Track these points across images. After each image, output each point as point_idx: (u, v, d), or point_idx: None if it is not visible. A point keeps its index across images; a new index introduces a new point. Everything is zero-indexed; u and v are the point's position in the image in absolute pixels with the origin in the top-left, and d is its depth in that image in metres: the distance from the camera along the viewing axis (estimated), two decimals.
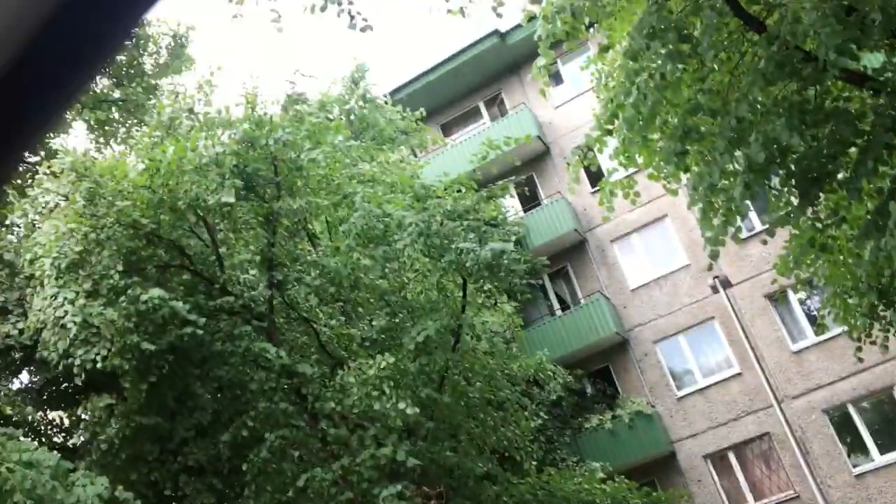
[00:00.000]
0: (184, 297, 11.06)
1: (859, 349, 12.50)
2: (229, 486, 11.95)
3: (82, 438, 11.23)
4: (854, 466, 18.92)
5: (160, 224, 10.78)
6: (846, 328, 12.68)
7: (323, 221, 13.62)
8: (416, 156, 22.68)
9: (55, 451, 9.85)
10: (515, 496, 15.58)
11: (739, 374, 20.53)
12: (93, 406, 10.57)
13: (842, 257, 11.15)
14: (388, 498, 10.64)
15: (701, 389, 20.96)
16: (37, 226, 11.48)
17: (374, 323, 14.46)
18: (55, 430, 13.08)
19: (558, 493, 16.74)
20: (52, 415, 13.50)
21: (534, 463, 18.11)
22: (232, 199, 10.58)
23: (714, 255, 9.09)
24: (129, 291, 10.16)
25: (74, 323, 9.71)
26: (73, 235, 10.21)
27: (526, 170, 23.20)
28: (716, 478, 20.24)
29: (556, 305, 23.75)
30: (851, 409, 19.30)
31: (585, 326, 21.97)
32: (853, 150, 8.69)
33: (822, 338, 19.85)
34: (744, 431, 20.16)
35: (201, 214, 11.01)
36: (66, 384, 12.43)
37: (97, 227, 10.28)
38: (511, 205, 23.45)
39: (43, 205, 11.17)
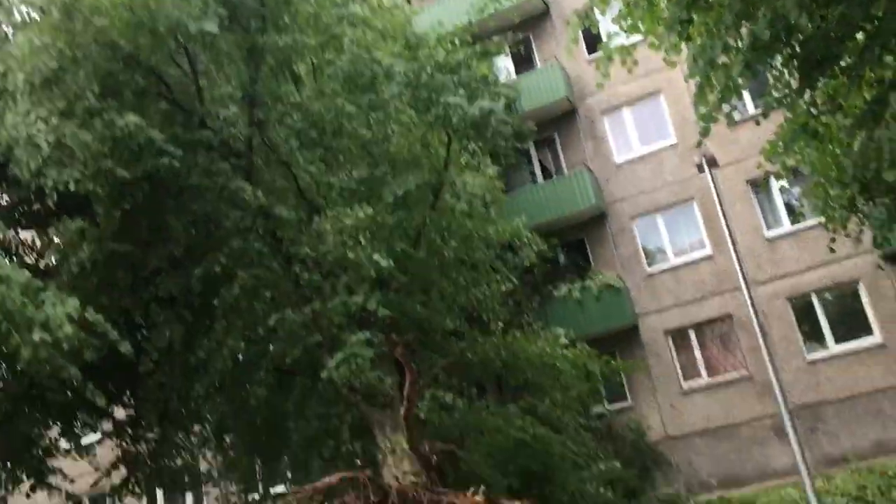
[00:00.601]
0: (161, 127, 10.78)
1: (833, 240, 12.62)
2: (200, 319, 12.11)
3: (54, 260, 11.20)
4: (808, 353, 19.56)
5: (139, 47, 10.34)
6: (823, 219, 12.77)
7: (308, 63, 13.14)
8: (409, 2, 21.77)
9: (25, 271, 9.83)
10: (479, 354, 15.97)
11: (711, 256, 20.81)
12: (65, 228, 10.47)
13: (831, 146, 11.06)
14: (357, 343, 10.82)
15: (671, 268, 21.27)
16: (10, 38, 11.00)
17: (354, 173, 14.27)
18: (26, 250, 13.03)
19: (521, 355, 17.18)
20: (23, 235, 13.42)
21: (500, 325, 18.49)
22: (215, 29, 10.13)
23: (705, 132, 8.95)
24: (105, 115, 9.87)
25: (47, 142, 9.46)
26: (48, 51, 9.77)
27: (523, 29, 22.50)
28: (674, 353, 20.88)
29: (539, 174, 23.65)
30: (815, 299, 19.75)
31: (566, 197, 21.98)
32: (861, 35, 8.43)
33: (796, 227, 20.11)
34: (707, 311, 20.64)
35: (182, 41, 10.56)
36: (38, 205, 12.29)
37: (73, 44, 9.84)
38: (504, 65, 22.88)
39: (17, 16, 10.65)
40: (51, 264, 11.82)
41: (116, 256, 10.92)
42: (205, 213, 11.74)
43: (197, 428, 14.30)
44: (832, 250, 12.73)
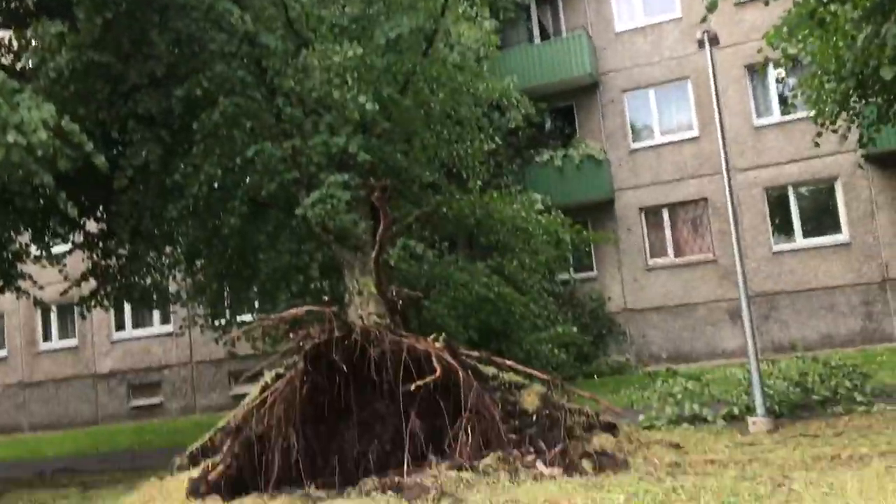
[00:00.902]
0: None
1: (819, 135, 12.61)
2: (178, 141, 11.95)
3: (31, 63, 10.85)
4: (775, 244, 19.94)
5: None
6: (814, 112, 12.70)
7: None
8: None
9: (1, 71, 9.56)
10: (455, 209, 16.07)
11: (697, 138, 20.75)
12: (44, 31, 10.08)
13: (835, 38, 10.85)
14: (334, 184, 10.81)
15: (655, 146, 21.23)
16: None
17: (347, 9, 13.77)
18: (2, 50, 12.60)
19: (495, 215, 17.32)
20: (0, 34, 12.94)
21: (479, 183, 18.51)
22: None
23: (712, 6, 8.72)
24: None
25: None
26: None
27: None
28: (645, 230, 21.17)
29: (537, 33, 23.03)
30: (791, 192, 19.94)
31: (561, 61, 21.53)
32: None
33: (785, 119, 20.03)
34: (684, 192, 20.80)
35: None
36: (16, 2, 11.78)
37: None
38: None
39: None
40: (28, 67, 11.46)
41: (96, 66, 10.59)
42: (189, 34, 11.34)
43: (168, 249, 14.42)
44: (817, 144, 12.74)
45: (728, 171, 18.90)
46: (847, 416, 9.12)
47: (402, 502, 6.38)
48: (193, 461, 8.25)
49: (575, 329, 17.39)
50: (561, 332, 16.63)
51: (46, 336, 27.15)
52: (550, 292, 19.07)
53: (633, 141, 21.49)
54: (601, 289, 21.19)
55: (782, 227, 20.13)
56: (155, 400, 25.66)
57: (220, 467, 7.68)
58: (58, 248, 15.39)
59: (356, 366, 8.03)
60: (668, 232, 21.02)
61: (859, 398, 9.59)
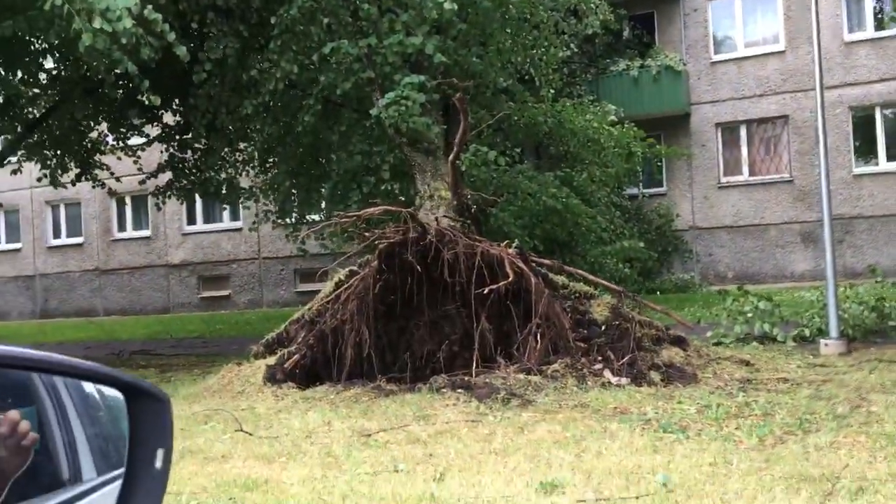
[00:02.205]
0: None
1: None
2: (255, 36, 11.91)
3: None
4: (856, 167, 19.23)
5: None
6: None
7: None
8: None
9: None
10: (527, 118, 15.85)
11: (783, 52, 19.85)
12: None
13: None
14: (409, 85, 10.69)
15: (738, 59, 20.38)
16: None
17: None
18: None
19: (567, 125, 17.06)
20: None
21: (552, 91, 18.14)
22: None
23: None
24: None
25: None
26: None
27: None
28: (720, 147, 20.58)
29: None
30: (877, 112, 19.07)
31: None
32: None
33: (878, 34, 18.99)
34: (764, 109, 20.06)
35: None
36: None
37: None
38: None
39: None
40: None
41: None
42: None
43: (242, 146, 14.59)
44: None
45: (812, 89, 18.27)
46: None
47: (472, 400, 6.52)
48: (269, 350, 8.54)
49: (642, 244, 17.19)
50: (627, 247, 16.46)
51: (121, 226, 28.05)
52: (618, 206, 18.85)
53: (715, 53, 20.67)
54: (670, 205, 20.81)
55: (865, 149, 19.35)
56: (224, 292, 26.50)
57: (296, 357, 7.94)
58: (134, 141, 15.75)
59: (429, 267, 8.11)
60: (744, 150, 20.40)
61: None
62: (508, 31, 14.15)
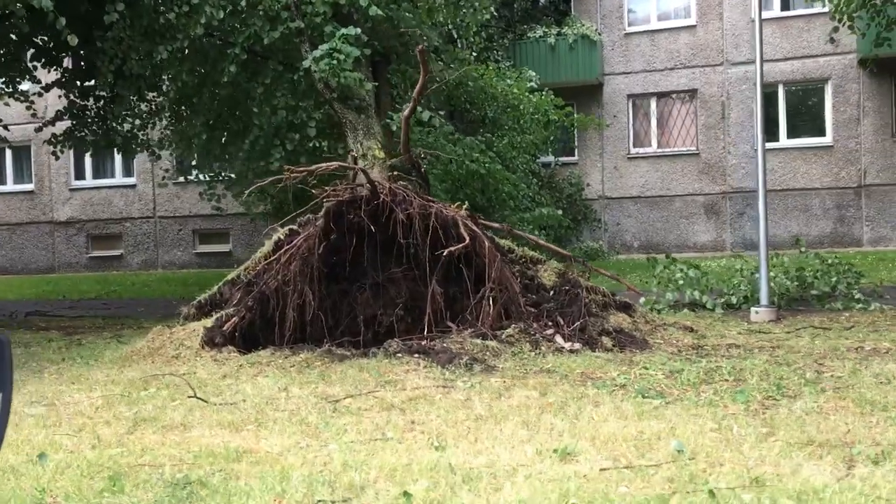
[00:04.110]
0: None
1: (836, 30, 12.38)
2: None
3: None
4: None
5: None
6: (833, 4, 12.38)
7: None
8: None
9: None
10: (452, 79, 15.57)
11: (693, 26, 20.28)
12: None
13: None
14: (345, 37, 10.24)
15: (651, 31, 20.71)
16: None
17: None
18: None
19: (489, 89, 16.91)
20: None
21: (472, 55, 17.94)
22: None
23: None
24: None
25: None
26: None
27: None
28: (631, 117, 20.93)
29: None
30: (780, 90, 19.79)
31: None
32: None
33: (784, 14, 19.65)
34: (674, 83, 20.49)
35: None
36: None
37: None
38: None
39: None
40: None
41: None
42: None
43: (150, 95, 13.68)
44: (832, 40, 12.56)
45: (719, 63, 18.82)
46: (847, 313, 9.31)
47: (433, 366, 6.30)
48: (201, 312, 8.04)
49: (560, 212, 17.30)
50: (546, 214, 16.53)
51: (1, 179, 26.16)
52: (534, 174, 18.90)
53: (629, 24, 20.91)
54: (580, 174, 21.07)
55: (767, 125, 20.02)
56: (115, 252, 25.18)
57: (234, 319, 7.50)
58: (26, 86, 14.52)
59: (377, 228, 7.79)
60: (653, 121, 20.82)
61: (857, 296, 9.77)
62: None
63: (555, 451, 3.79)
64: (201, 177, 14.69)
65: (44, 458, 4.03)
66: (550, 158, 20.67)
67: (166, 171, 15.88)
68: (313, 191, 7.54)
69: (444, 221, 7.52)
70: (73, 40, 8.91)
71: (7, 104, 14.41)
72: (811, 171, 19.44)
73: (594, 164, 21.13)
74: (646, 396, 5.14)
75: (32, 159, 25.72)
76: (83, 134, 13.99)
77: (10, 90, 14.32)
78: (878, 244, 18.99)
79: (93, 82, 13.58)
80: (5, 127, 15.12)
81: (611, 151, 20.96)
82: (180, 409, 5.32)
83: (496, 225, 8.41)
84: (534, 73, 18.09)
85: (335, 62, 10.52)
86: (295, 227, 8.27)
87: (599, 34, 20.66)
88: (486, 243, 7.55)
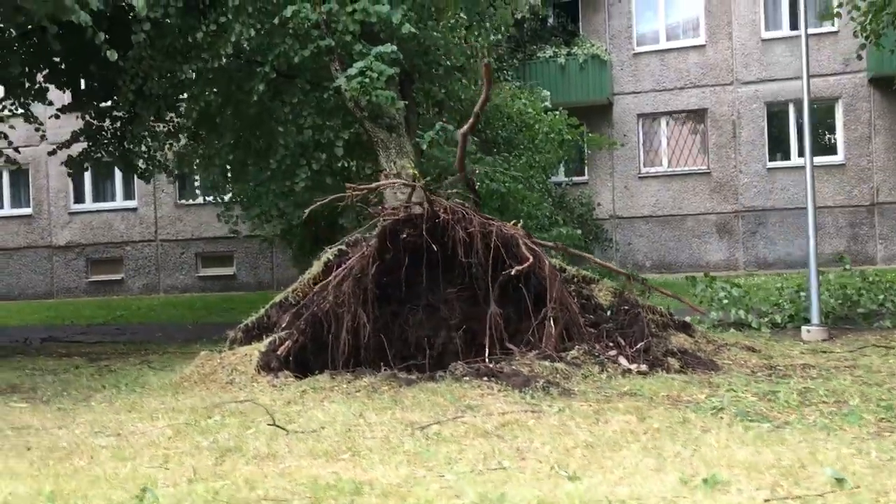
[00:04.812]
0: None
1: (863, 47, 12.34)
2: None
3: None
4: (770, 161, 19.92)
5: None
6: (858, 22, 12.33)
7: None
8: None
9: None
10: (467, 99, 15.44)
11: (703, 45, 20.30)
12: None
13: None
14: (381, 54, 10.09)
15: (660, 51, 20.70)
16: None
17: None
18: None
19: (503, 109, 16.81)
20: None
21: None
22: None
23: None
24: None
25: None
26: None
27: None
28: (641, 137, 20.87)
29: None
30: (791, 109, 19.80)
31: None
32: None
33: (793, 32, 19.67)
34: (685, 102, 20.47)
35: None
36: None
37: None
38: None
39: None
40: None
41: None
42: None
43: (169, 115, 13.43)
44: (860, 57, 12.50)
45: (730, 83, 18.77)
46: None
47: (508, 389, 6.06)
48: (248, 336, 7.78)
49: (579, 231, 17.14)
50: (564, 234, 16.35)
51: None
52: (548, 193, 18.75)
53: (638, 45, 20.91)
54: (591, 194, 20.96)
55: (779, 144, 20.08)
56: (116, 276, 24.76)
57: (288, 342, 7.24)
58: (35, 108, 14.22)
59: (433, 247, 7.58)
60: (664, 141, 20.78)
61: None
62: (462, 5, 13.68)
63: (704, 480, 3.57)
64: (218, 198, 14.41)
65: (150, 493, 3.76)
66: (562, 178, 20.53)
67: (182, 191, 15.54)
68: (369, 209, 7.32)
69: (505, 240, 7.31)
70: (113, 55, 8.68)
71: (13, 127, 14.14)
72: (824, 190, 19.39)
73: (604, 184, 21.03)
74: (751, 420, 4.93)
75: (30, 183, 25.34)
76: (99, 155, 13.73)
77: (20, 112, 14.05)
78: (892, 262, 18.95)
79: (109, 103, 13.36)
80: (16, 149, 14.83)
81: (621, 171, 20.88)
82: (260, 437, 5.06)
83: (549, 244, 8.22)
84: (547, 93, 17.97)
85: (367, 80, 10.36)
86: (343, 247, 8.05)
87: (609, 54, 20.63)
88: (546, 262, 7.34)
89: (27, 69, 12.98)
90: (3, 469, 4.44)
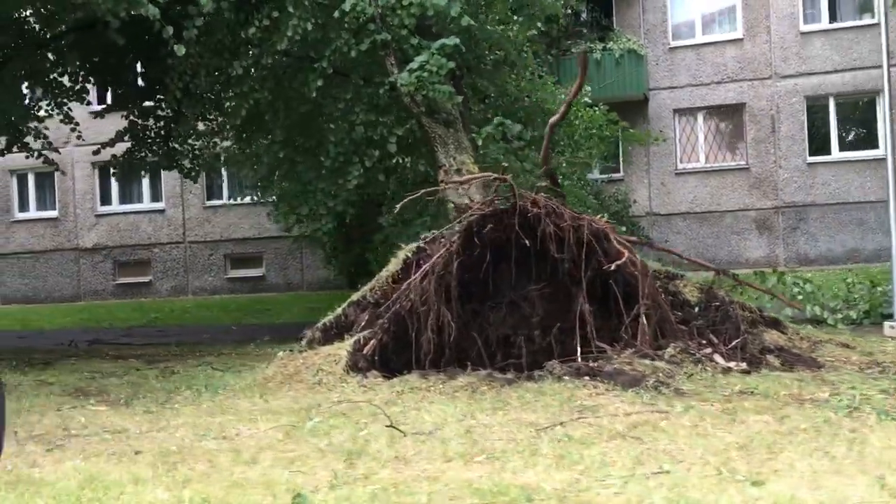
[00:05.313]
0: None
1: None
2: None
3: None
4: (810, 155, 19.64)
5: None
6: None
7: None
8: None
9: None
10: (512, 93, 15.21)
11: (741, 39, 20.03)
12: None
13: None
14: (440, 47, 9.88)
15: (696, 45, 20.44)
16: None
17: None
18: None
19: (543, 105, 16.56)
20: None
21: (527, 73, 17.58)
22: None
23: None
24: None
25: None
26: None
27: None
28: (678, 133, 20.62)
29: None
30: (831, 102, 19.52)
31: None
32: None
33: (832, 25, 19.43)
34: (722, 97, 20.20)
35: None
36: None
37: None
38: None
39: None
40: None
41: None
42: None
43: (215, 114, 13.23)
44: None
45: (768, 77, 18.40)
46: None
47: (617, 388, 5.84)
48: (326, 335, 7.57)
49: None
50: None
51: (23, 205, 25.63)
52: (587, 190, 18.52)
53: (674, 38, 20.65)
54: (627, 191, 20.70)
55: (819, 138, 19.79)
56: (144, 278, 24.61)
57: (373, 342, 7.03)
58: (74, 106, 14.04)
59: (515, 243, 7.37)
60: (701, 136, 20.51)
61: None
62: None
63: None
64: (261, 198, 14.22)
65: (303, 498, 3.55)
66: (597, 175, 20.29)
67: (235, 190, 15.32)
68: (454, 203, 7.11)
69: (596, 234, 7.09)
70: (181, 50, 8.54)
71: (47, 128, 13.99)
72: (865, 185, 19.11)
73: (640, 180, 20.78)
74: (894, 419, 4.70)
75: (56, 185, 25.20)
76: (143, 155, 13.55)
77: (56, 113, 13.89)
78: None
79: (152, 102, 13.18)
80: (56, 149, 14.67)
81: (657, 167, 20.62)
82: (378, 439, 4.85)
83: (633, 238, 8.00)
84: (588, 88, 17.71)
85: (425, 74, 10.16)
86: (421, 243, 7.85)
87: (645, 48, 20.37)
88: (638, 257, 7.12)
89: (69, 68, 12.82)
90: (127, 474, 4.23)
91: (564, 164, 16.80)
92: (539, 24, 15.77)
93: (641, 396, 5.64)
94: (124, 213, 24.75)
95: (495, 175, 7.66)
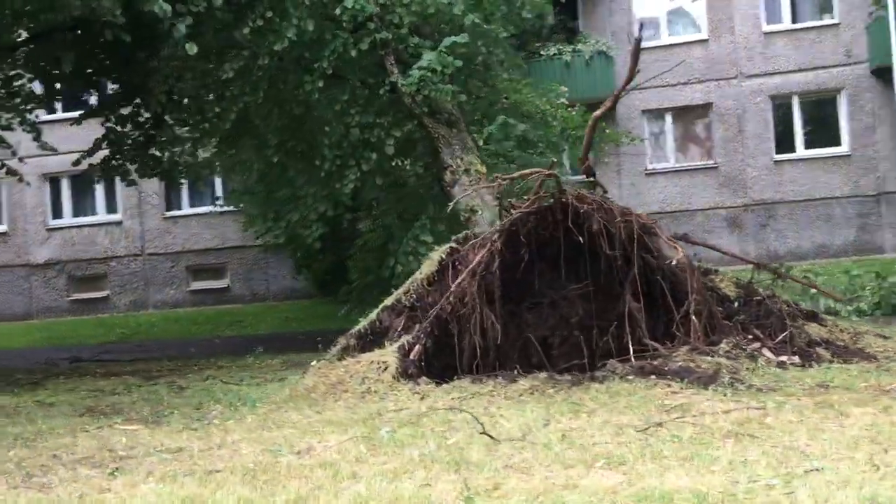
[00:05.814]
0: None
1: None
2: None
3: None
4: (776, 153, 19.99)
5: None
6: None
7: None
8: None
9: None
10: (490, 97, 15.07)
11: (706, 40, 20.31)
12: None
13: None
14: (453, 45, 9.68)
15: (662, 46, 20.61)
16: None
17: None
18: None
19: (522, 108, 16.48)
20: None
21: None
22: None
23: None
24: None
25: None
26: None
27: None
28: (647, 133, 20.76)
29: None
30: (795, 101, 19.91)
31: None
32: None
33: (793, 26, 19.87)
34: (689, 97, 20.44)
35: None
36: None
37: None
38: None
39: None
40: None
41: None
42: None
43: (197, 118, 12.70)
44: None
45: (733, 77, 18.68)
46: None
47: (693, 387, 5.69)
48: (361, 342, 7.25)
49: None
50: None
51: None
52: None
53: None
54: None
55: (784, 137, 20.16)
56: (100, 293, 23.67)
57: (417, 347, 6.75)
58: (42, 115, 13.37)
59: (550, 241, 7.19)
60: (670, 136, 20.71)
61: None
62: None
63: None
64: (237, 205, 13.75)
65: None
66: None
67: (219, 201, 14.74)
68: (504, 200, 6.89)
69: (646, 231, 6.95)
70: (192, 49, 8.12)
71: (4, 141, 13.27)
72: (832, 181, 19.54)
73: (612, 181, 20.77)
74: None
75: (3, 198, 24.13)
76: (121, 163, 12.95)
77: (19, 121, 13.21)
78: None
79: (130, 108, 12.62)
80: (20, 159, 13.94)
81: (628, 168, 20.74)
82: (472, 447, 4.58)
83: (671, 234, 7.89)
84: (565, 89, 17.70)
85: (429, 74, 9.95)
86: (454, 244, 7.60)
87: (613, 50, 20.48)
88: (685, 254, 7.01)
89: (35, 74, 12.19)
90: (229, 495, 3.88)
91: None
92: (522, 19, 15.61)
93: (722, 393, 5.49)
94: (78, 227, 23.82)
95: (542, 170, 7.48)
